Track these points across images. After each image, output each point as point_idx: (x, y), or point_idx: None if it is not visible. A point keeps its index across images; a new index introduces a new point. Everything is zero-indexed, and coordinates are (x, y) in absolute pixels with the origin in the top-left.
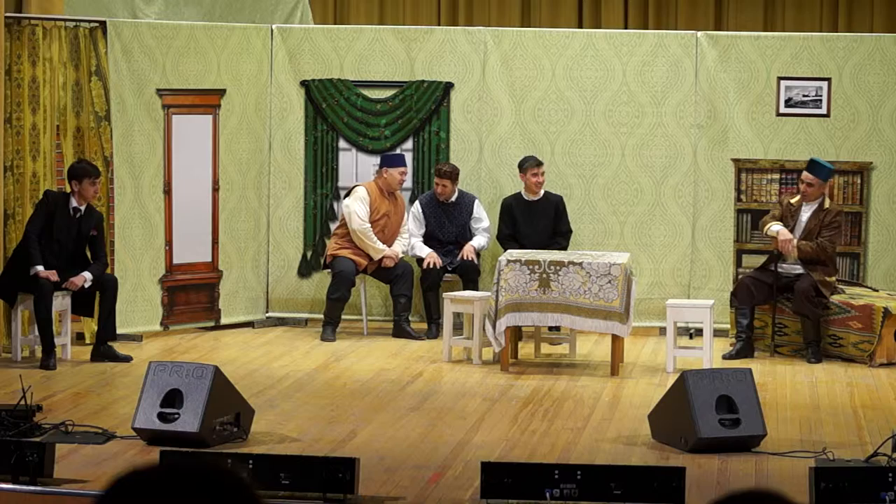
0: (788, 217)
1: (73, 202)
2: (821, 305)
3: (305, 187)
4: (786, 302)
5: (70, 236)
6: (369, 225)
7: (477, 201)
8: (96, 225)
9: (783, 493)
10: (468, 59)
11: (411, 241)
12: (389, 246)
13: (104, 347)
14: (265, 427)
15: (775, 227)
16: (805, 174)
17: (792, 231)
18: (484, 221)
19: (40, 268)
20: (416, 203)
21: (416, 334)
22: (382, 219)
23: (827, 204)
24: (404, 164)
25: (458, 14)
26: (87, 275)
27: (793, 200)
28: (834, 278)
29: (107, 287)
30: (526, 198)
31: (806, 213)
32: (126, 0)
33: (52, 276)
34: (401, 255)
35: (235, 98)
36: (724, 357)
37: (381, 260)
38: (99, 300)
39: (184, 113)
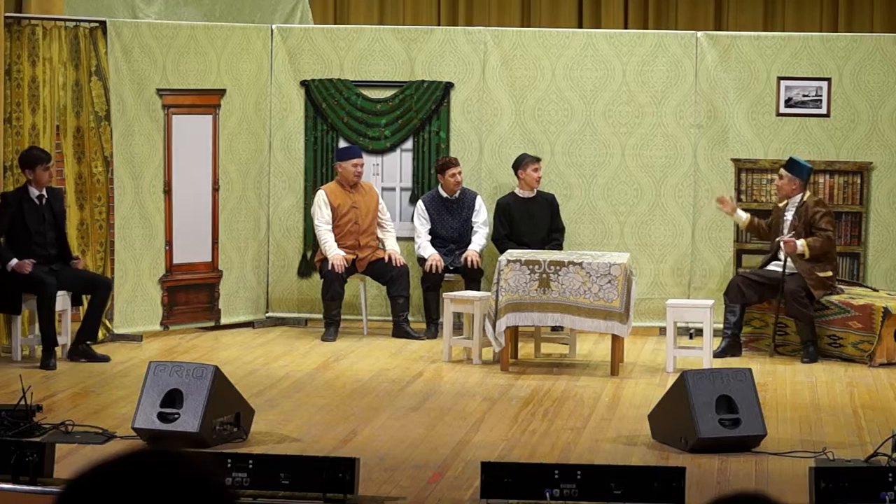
0: (778, 219)
1: (34, 191)
2: (810, 307)
3: (305, 187)
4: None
5: (46, 223)
6: (326, 227)
7: (479, 197)
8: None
9: (768, 494)
10: (468, 59)
11: (418, 241)
12: (381, 240)
13: (83, 346)
14: (265, 427)
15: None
16: (781, 170)
17: (780, 230)
18: (482, 214)
19: (15, 261)
20: (420, 202)
21: (416, 334)
22: (350, 211)
23: (806, 197)
24: (358, 156)
25: (458, 14)
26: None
27: (780, 204)
28: (829, 272)
29: (99, 287)
30: (522, 195)
31: (790, 212)
32: (126, 0)
33: (27, 266)
34: (400, 258)
35: (235, 98)
36: (714, 355)
37: (374, 258)
38: (89, 299)
39: (184, 113)
